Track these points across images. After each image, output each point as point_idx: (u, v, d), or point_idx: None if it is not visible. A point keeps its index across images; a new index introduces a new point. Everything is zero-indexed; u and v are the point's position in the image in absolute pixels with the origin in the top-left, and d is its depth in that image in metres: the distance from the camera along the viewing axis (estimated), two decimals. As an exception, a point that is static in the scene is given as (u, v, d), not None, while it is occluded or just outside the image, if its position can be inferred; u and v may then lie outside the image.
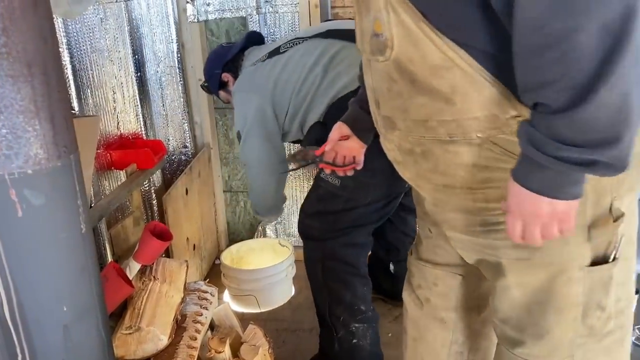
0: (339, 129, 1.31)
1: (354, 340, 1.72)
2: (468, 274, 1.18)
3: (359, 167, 1.37)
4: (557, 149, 0.72)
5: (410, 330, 1.33)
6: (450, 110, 0.85)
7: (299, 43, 1.82)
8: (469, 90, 0.81)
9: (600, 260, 0.93)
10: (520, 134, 0.78)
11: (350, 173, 1.38)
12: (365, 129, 1.30)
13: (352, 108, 1.32)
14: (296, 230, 2.64)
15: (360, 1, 0.91)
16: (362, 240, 1.76)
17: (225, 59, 2.02)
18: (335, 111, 1.60)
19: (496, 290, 1.03)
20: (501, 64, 0.79)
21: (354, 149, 1.33)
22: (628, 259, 0.98)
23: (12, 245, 0.75)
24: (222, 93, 2.10)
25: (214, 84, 2.07)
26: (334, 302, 1.73)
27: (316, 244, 1.75)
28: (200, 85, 2.26)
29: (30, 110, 0.72)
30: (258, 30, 2.23)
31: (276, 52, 1.85)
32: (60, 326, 0.81)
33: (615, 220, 0.91)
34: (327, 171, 1.43)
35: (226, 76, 2.03)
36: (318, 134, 1.71)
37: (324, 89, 1.71)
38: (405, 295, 1.32)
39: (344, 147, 1.32)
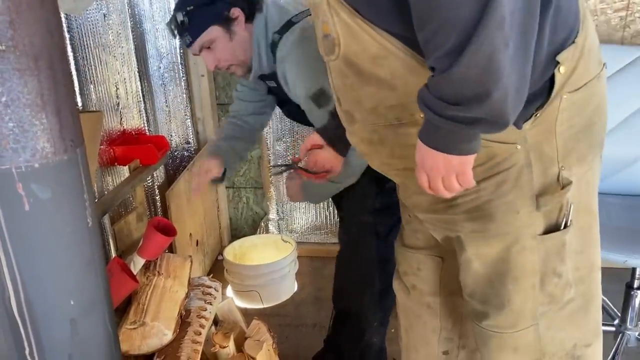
0: (312, 138, 1.39)
1: (371, 340, 1.71)
2: (447, 256, 1.22)
3: (333, 175, 1.41)
4: (443, 108, 0.78)
5: (402, 321, 1.37)
6: (394, 96, 0.91)
7: None
8: (406, 74, 0.88)
9: (552, 229, 0.99)
10: (418, 97, 0.83)
11: (322, 181, 1.42)
12: (336, 140, 1.36)
13: (329, 119, 1.39)
14: (298, 226, 2.66)
15: (312, 8, 0.98)
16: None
17: None
18: None
19: (461, 265, 1.08)
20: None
21: (326, 159, 1.40)
22: (585, 229, 1.03)
23: (19, 239, 0.75)
24: (215, 29, 1.49)
25: (209, 16, 1.49)
26: (379, 304, 1.66)
27: (379, 243, 1.61)
28: (173, 21, 1.52)
29: (37, 104, 0.72)
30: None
31: None
32: (67, 320, 0.81)
33: (562, 188, 0.96)
34: (304, 178, 1.45)
35: (236, 12, 1.49)
36: None
37: None
38: (395, 284, 1.35)
39: (319, 155, 1.40)
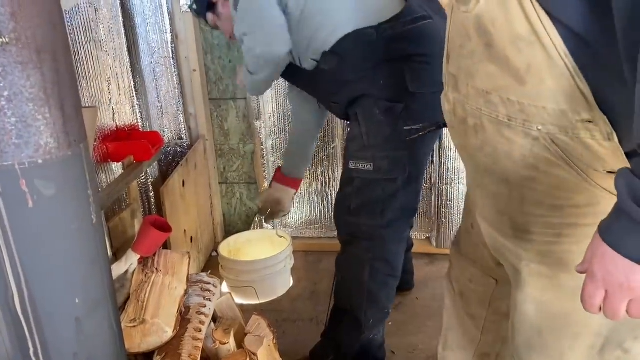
0: None
1: (372, 336, 1.73)
2: (502, 281, 1.10)
3: None
4: None
5: (445, 318, 1.32)
6: (518, 90, 0.75)
7: None
8: (545, 73, 0.72)
9: None
10: (620, 185, 0.64)
11: None
12: None
13: None
14: (293, 221, 2.64)
15: None
16: (406, 233, 1.70)
17: None
18: (352, 45, 1.50)
19: (511, 299, 0.96)
20: (591, 55, 0.70)
21: None
22: None
23: (23, 237, 0.73)
24: (209, 15, 1.84)
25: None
26: (370, 303, 1.68)
27: (368, 243, 1.64)
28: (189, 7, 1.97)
29: (40, 98, 0.70)
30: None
31: None
32: (72, 319, 0.79)
33: None
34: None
35: None
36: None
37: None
38: (445, 283, 1.30)
39: None
